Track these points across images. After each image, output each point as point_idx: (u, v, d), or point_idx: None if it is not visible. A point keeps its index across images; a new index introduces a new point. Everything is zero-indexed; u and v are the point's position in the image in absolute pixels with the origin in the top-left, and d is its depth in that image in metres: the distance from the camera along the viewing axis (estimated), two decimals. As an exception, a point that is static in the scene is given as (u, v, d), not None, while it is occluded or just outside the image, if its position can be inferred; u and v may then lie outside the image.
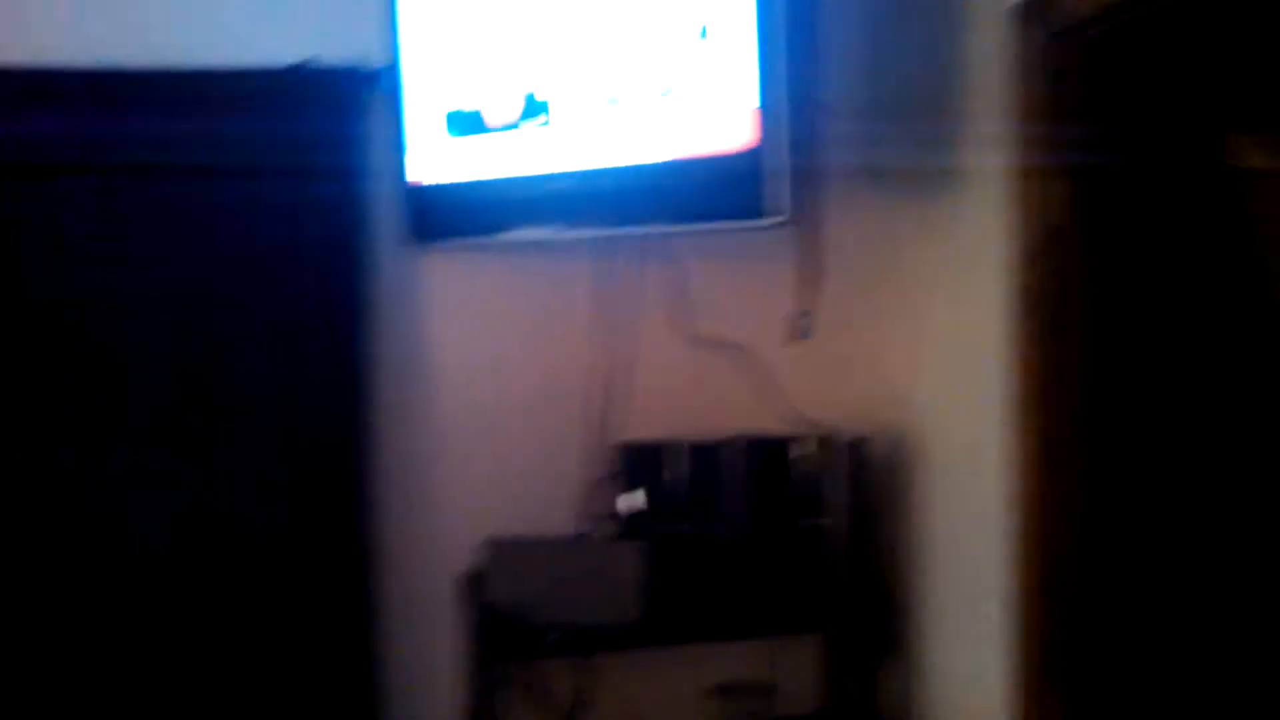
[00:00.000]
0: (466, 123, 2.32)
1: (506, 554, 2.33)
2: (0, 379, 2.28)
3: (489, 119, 2.29)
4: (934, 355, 2.40)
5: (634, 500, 2.39)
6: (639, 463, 2.42)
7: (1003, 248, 2.10)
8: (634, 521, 2.41)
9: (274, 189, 2.33)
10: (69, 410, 2.30)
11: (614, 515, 2.45)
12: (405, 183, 2.39)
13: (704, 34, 2.02)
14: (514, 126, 2.27)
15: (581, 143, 2.19)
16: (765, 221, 2.00)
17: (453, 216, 2.36)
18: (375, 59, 2.38)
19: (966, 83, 2.23)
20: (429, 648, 2.43)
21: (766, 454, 2.38)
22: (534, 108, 2.23)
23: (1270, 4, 2.01)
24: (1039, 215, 2.04)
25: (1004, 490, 2.08)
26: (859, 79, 2.45)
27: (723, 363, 2.49)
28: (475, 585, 2.34)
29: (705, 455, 2.39)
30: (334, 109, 2.34)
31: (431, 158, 2.37)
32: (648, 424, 2.47)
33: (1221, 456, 2.15)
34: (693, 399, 2.50)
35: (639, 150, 2.12)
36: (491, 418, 2.49)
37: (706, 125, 2.04)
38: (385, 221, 2.42)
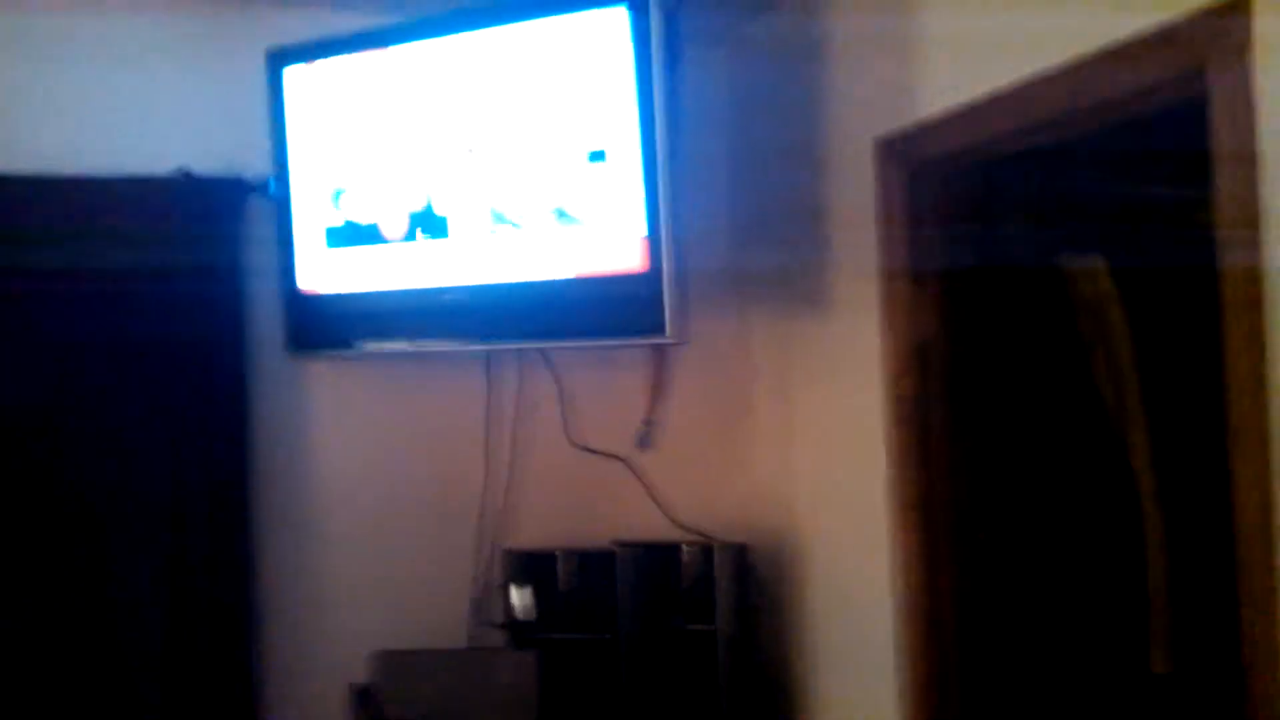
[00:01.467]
0: (349, 234, 2.37)
1: (397, 667, 2.32)
2: None
3: (373, 232, 2.34)
4: (813, 463, 2.51)
5: (525, 597, 2.42)
6: (526, 570, 2.46)
7: (874, 362, 2.24)
8: (523, 629, 2.44)
9: (151, 292, 2.33)
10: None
11: (502, 624, 2.47)
12: (292, 291, 2.42)
13: (592, 159, 2.12)
14: (400, 240, 2.32)
15: (474, 258, 2.25)
16: (655, 340, 2.09)
17: (340, 325, 2.40)
18: (264, 169, 2.41)
19: (831, 212, 2.38)
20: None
21: (652, 560, 2.45)
22: (429, 224, 2.30)
23: (1093, 148, 2.23)
24: (906, 332, 2.19)
25: (888, 591, 2.18)
26: (722, 206, 2.60)
27: (605, 471, 2.57)
28: (366, 700, 2.32)
29: (592, 562, 2.45)
30: (216, 217, 2.37)
31: (321, 267, 2.41)
32: (533, 532, 2.52)
33: (1082, 547, 2.33)
34: (577, 507, 2.58)
35: (531, 268, 2.20)
36: (378, 527, 2.50)
37: (597, 247, 2.13)
38: (271, 329, 2.44)
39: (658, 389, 2.50)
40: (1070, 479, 2.38)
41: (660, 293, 2.06)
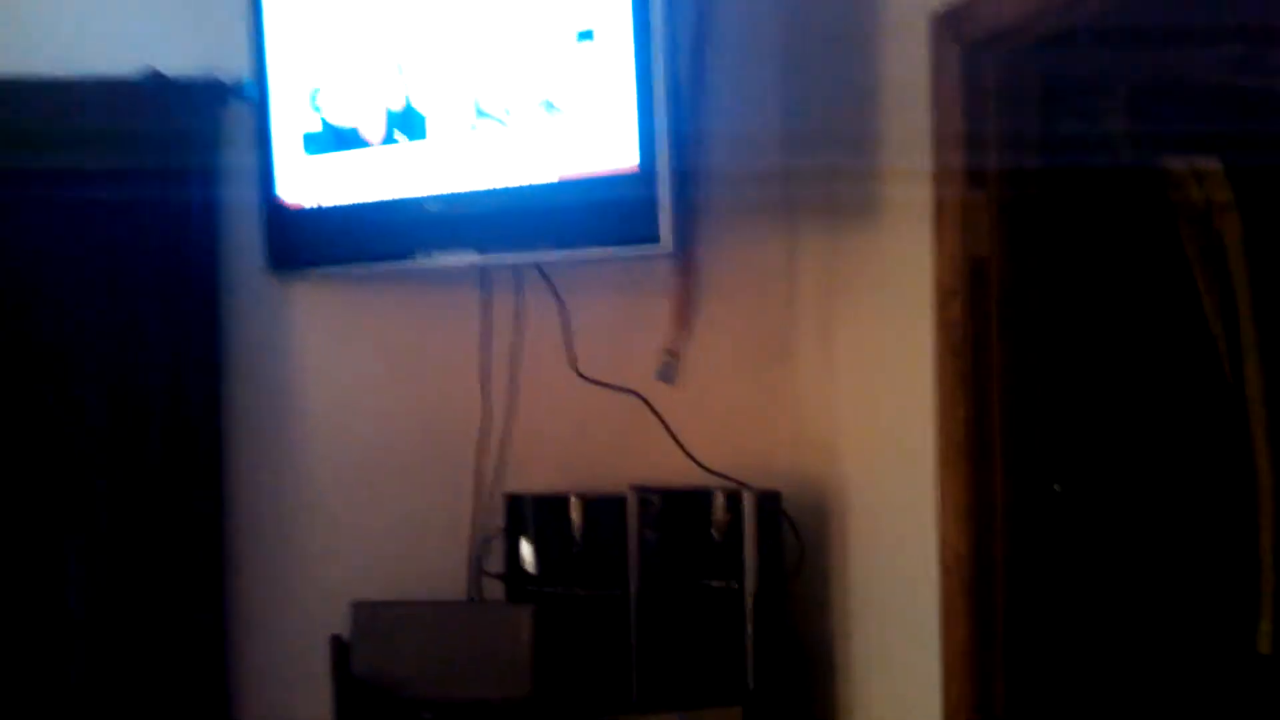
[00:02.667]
0: (328, 139, 2.14)
1: (375, 620, 2.11)
2: None
3: (351, 135, 2.11)
4: (856, 399, 2.19)
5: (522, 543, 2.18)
6: (528, 517, 2.21)
7: (927, 282, 1.91)
8: (525, 581, 2.19)
9: (116, 205, 2.13)
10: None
11: (501, 574, 2.23)
12: (272, 203, 2.20)
13: (580, 38, 1.82)
14: (381, 143, 2.08)
15: (456, 160, 2.01)
16: (649, 250, 1.80)
17: (321, 241, 2.18)
18: (238, 70, 2.19)
19: (883, 104, 2.05)
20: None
21: (671, 508, 2.17)
22: (409, 123, 2.04)
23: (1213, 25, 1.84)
24: (960, 247, 1.85)
25: (929, 542, 1.88)
26: (766, 99, 2.27)
27: (620, 408, 2.29)
28: (341, 654, 2.11)
29: (602, 509, 2.18)
30: (188, 122, 2.15)
31: (299, 177, 2.19)
32: (540, 474, 2.27)
33: (1158, 506, 1.96)
34: (588, 447, 2.31)
35: (517, 169, 1.94)
36: (364, 465, 2.28)
37: (587, 143, 1.85)
38: (248, 246, 2.22)
39: (683, 312, 2.18)
40: (1164, 424, 2.01)
41: (654, 195, 1.76)
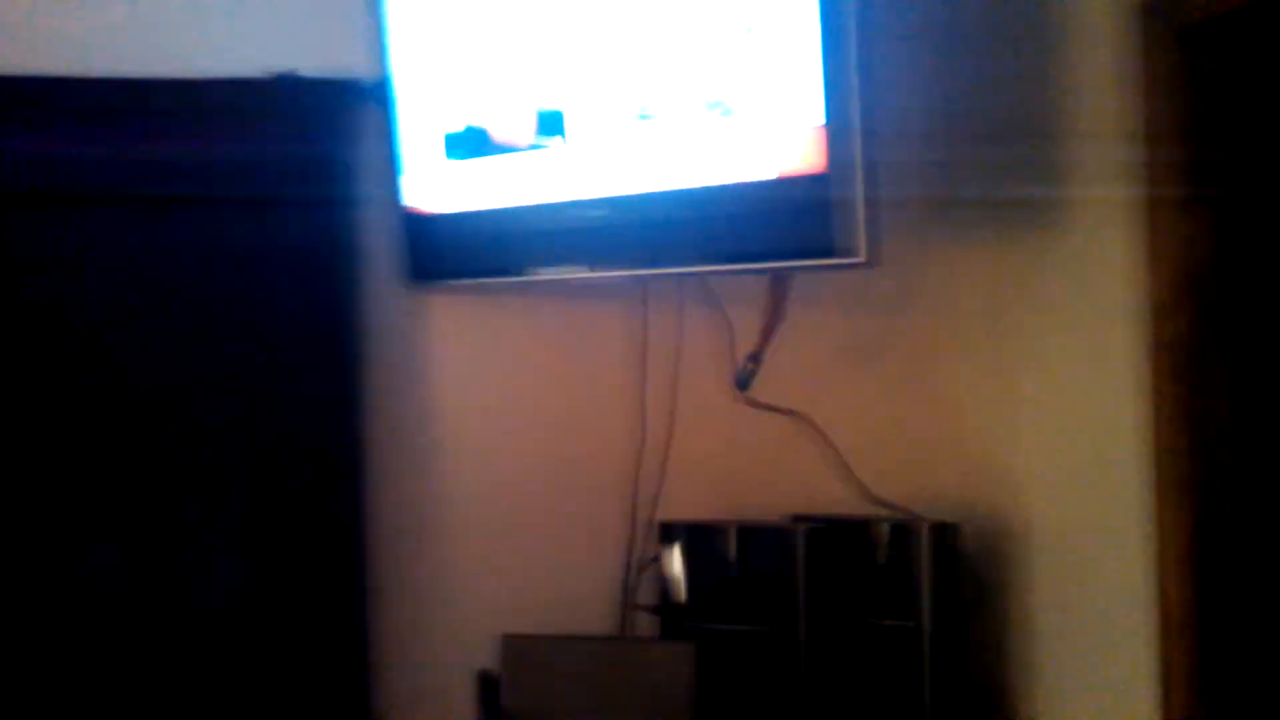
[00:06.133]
0: (471, 142, 2.02)
1: (526, 654, 1.99)
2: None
3: (498, 137, 1.99)
4: (1043, 425, 2.01)
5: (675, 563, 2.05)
6: (686, 547, 2.07)
7: (1125, 298, 1.76)
8: (680, 615, 2.05)
9: (245, 215, 2.06)
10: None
11: (655, 607, 2.09)
12: (410, 211, 2.10)
13: (751, 31, 1.68)
14: (530, 146, 1.96)
15: (608, 165, 1.88)
16: (842, 261, 1.64)
17: (459, 251, 2.07)
18: (366, 70, 2.09)
19: (1082, 97, 1.88)
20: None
21: (836, 540, 2.02)
22: (560, 125, 1.92)
23: None
24: (1175, 257, 1.68)
25: (1139, 590, 1.72)
26: (949, 92, 2.09)
27: (779, 430, 2.14)
28: (489, 690, 2.00)
29: (762, 539, 2.03)
30: (320, 125, 2.06)
31: (433, 183, 2.09)
32: (693, 501, 2.14)
33: None
34: (744, 471, 2.17)
35: (682, 173, 1.80)
36: (511, 490, 2.17)
37: (759, 144, 1.71)
38: (383, 256, 2.12)
39: (772, 320, 2.10)
40: None
41: (849, 199, 1.61)
